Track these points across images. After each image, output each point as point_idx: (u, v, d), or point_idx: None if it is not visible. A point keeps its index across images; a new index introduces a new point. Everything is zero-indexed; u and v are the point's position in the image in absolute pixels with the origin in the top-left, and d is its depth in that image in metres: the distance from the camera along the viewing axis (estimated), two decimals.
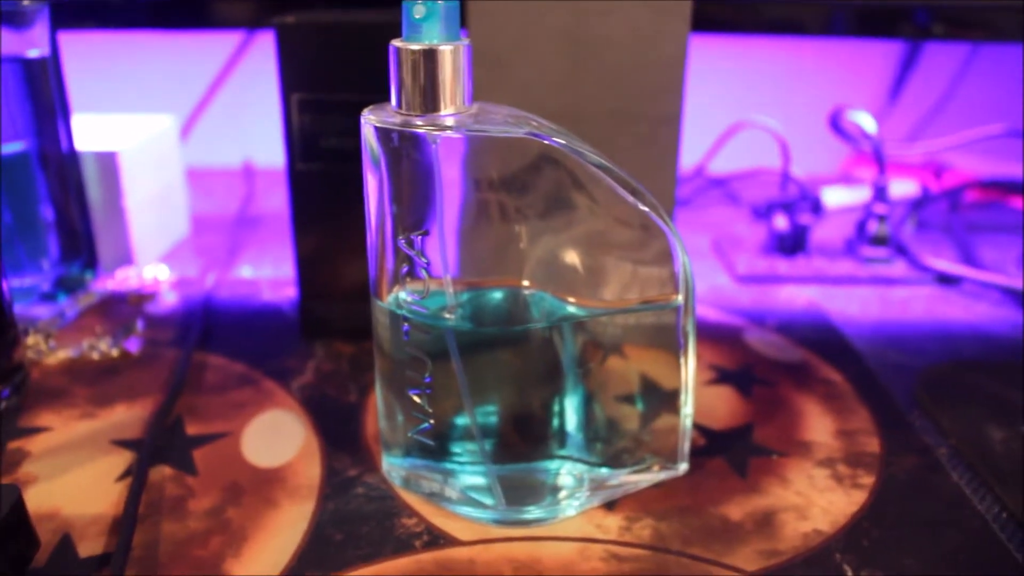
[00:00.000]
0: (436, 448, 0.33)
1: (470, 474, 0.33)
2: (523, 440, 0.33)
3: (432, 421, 0.33)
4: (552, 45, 0.40)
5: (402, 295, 0.31)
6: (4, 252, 0.49)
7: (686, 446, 0.36)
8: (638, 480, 0.35)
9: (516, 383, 0.33)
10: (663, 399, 0.35)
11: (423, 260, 0.30)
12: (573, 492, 0.34)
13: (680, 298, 0.33)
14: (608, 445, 0.35)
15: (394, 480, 0.36)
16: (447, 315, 0.31)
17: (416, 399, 0.33)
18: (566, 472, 0.34)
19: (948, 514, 0.35)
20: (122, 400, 0.42)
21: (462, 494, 0.34)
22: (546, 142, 0.29)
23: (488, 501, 0.33)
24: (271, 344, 0.48)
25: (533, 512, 0.33)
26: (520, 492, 0.33)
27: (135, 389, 0.43)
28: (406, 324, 0.32)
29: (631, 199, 0.31)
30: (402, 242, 0.31)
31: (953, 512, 0.35)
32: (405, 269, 0.31)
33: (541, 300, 0.32)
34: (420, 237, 0.30)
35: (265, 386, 0.44)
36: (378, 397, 0.35)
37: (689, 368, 0.34)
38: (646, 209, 0.31)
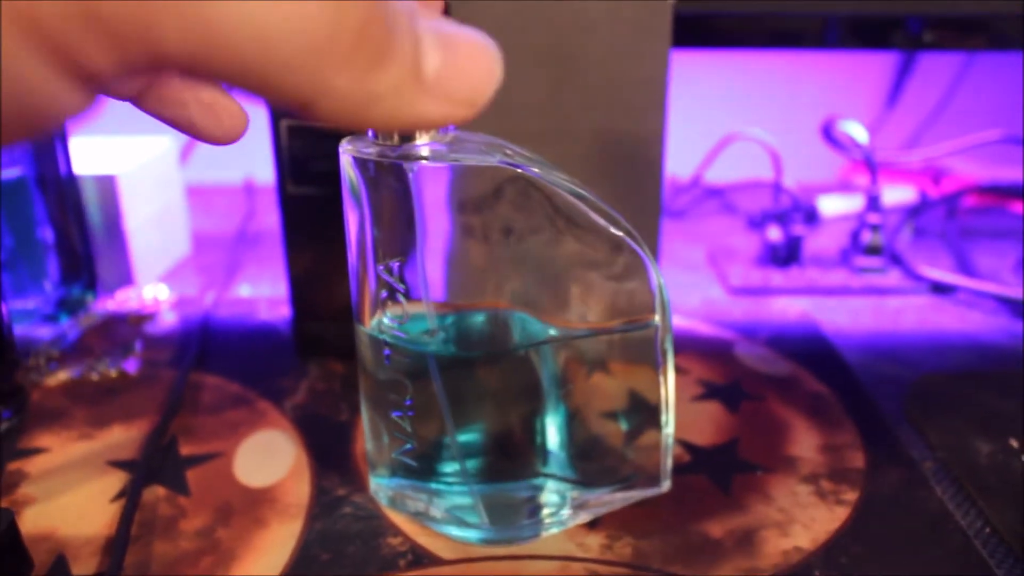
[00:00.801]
0: (420, 469, 0.34)
1: (455, 494, 0.34)
2: (506, 460, 0.34)
3: (414, 442, 0.33)
4: (533, 65, 0.41)
5: (384, 320, 0.32)
6: (6, 274, 0.50)
7: (668, 463, 0.36)
8: (621, 498, 0.36)
9: (498, 404, 0.33)
10: (647, 416, 0.35)
11: (401, 286, 0.31)
12: (556, 510, 0.34)
13: (657, 318, 0.33)
14: (591, 463, 0.35)
15: (381, 500, 0.36)
16: (428, 338, 0.31)
17: (399, 421, 0.33)
18: (549, 491, 0.34)
19: (930, 530, 0.35)
20: (119, 421, 0.43)
21: (447, 513, 0.34)
22: (519, 171, 0.30)
23: (473, 520, 0.34)
24: (266, 363, 0.49)
25: (517, 531, 0.34)
26: (503, 511, 0.34)
27: (132, 410, 0.44)
28: (387, 348, 0.32)
29: (603, 223, 0.31)
30: (381, 269, 0.31)
31: (935, 528, 0.35)
32: (385, 295, 0.32)
33: (522, 322, 0.32)
34: (398, 264, 0.31)
35: (259, 406, 0.44)
36: (364, 418, 0.36)
37: (669, 386, 0.35)
38: (620, 233, 0.31)
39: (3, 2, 0.13)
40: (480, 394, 0.33)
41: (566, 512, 0.35)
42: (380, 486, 0.36)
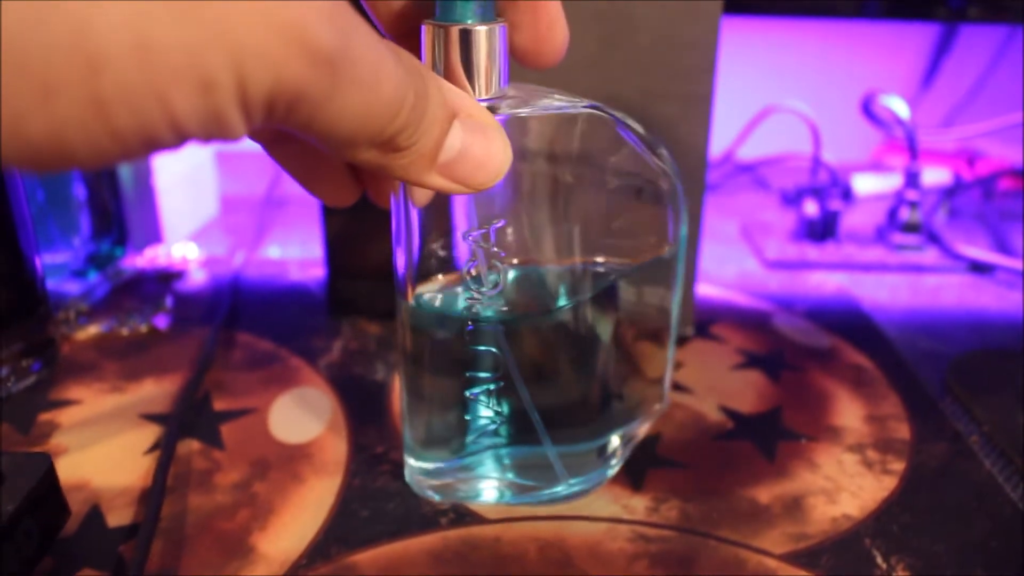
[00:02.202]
0: (500, 441, 0.33)
1: (527, 459, 0.33)
2: (582, 414, 0.33)
3: (498, 417, 0.32)
4: (583, 25, 0.40)
5: (466, 293, 0.30)
6: (37, 229, 0.50)
7: (668, 383, 0.38)
8: (645, 427, 0.37)
9: (569, 360, 0.32)
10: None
11: (498, 252, 0.29)
12: (615, 452, 0.35)
13: (672, 248, 0.33)
14: (633, 399, 0.36)
15: (426, 492, 0.34)
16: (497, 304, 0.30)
17: (480, 397, 0.31)
18: (615, 438, 0.34)
19: (979, 501, 0.34)
20: (151, 375, 0.43)
21: (518, 480, 0.33)
22: (601, 112, 0.29)
23: (547, 479, 0.33)
24: (298, 323, 0.48)
25: (590, 480, 0.34)
26: (579, 464, 0.33)
27: (163, 365, 0.44)
28: (470, 323, 0.30)
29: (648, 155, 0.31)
30: (477, 236, 0.29)
31: (984, 499, 0.34)
32: (473, 264, 0.30)
33: (572, 272, 0.31)
34: (495, 227, 0.29)
35: (292, 363, 0.44)
36: (408, 405, 0.33)
37: (675, 309, 0.35)
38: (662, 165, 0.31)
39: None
40: (553, 354, 0.32)
41: (620, 451, 0.34)
42: (424, 475, 0.34)
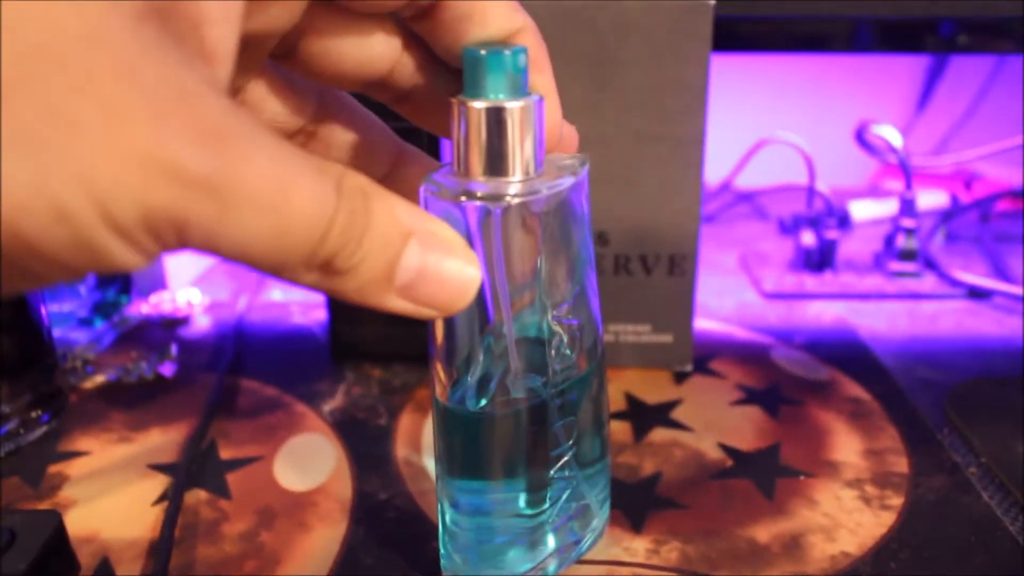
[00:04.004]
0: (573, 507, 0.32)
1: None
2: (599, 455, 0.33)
3: (575, 481, 0.31)
4: (572, 69, 0.41)
5: (550, 370, 0.29)
6: None
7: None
8: None
9: (599, 404, 0.32)
10: None
11: (575, 322, 0.29)
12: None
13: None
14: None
15: None
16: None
17: (562, 473, 0.30)
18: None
19: (978, 535, 0.34)
20: (157, 424, 0.43)
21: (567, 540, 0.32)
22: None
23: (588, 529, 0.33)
24: (302, 367, 0.49)
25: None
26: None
27: (170, 413, 0.44)
28: (558, 399, 0.29)
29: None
30: (560, 314, 0.28)
31: (984, 533, 0.35)
32: (559, 342, 0.29)
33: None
34: (569, 303, 0.28)
35: (296, 409, 0.44)
36: (469, 527, 0.30)
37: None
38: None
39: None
40: (595, 400, 0.32)
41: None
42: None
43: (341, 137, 0.27)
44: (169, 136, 0.16)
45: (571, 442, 0.30)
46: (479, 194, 0.25)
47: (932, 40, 0.63)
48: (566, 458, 0.30)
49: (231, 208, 0.17)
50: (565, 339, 0.28)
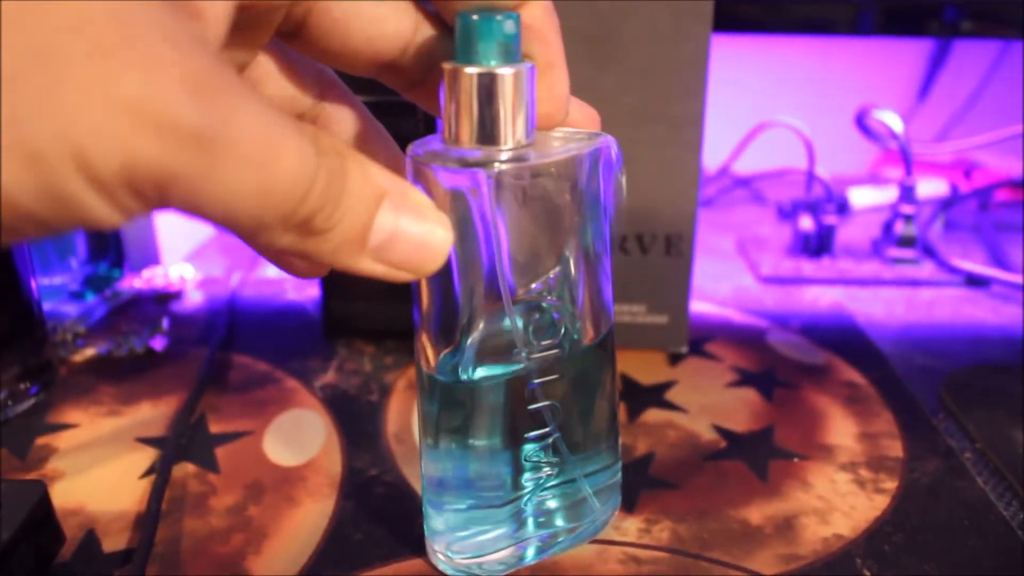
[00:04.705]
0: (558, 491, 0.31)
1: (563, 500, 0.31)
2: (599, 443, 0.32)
3: (557, 465, 0.30)
4: (572, 48, 0.40)
5: (525, 348, 0.28)
6: (35, 252, 0.50)
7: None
8: None
9: (598, 388, 0.31)
10: None
11: (556, 299, 0.28)
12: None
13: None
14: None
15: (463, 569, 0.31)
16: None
17: (540, 454, 0.30)
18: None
19: (972, 519, 0.34)
20: (147, 398, 0.43)
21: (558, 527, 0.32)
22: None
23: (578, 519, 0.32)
24: (294, 343, 0.48)
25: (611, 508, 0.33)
26: (607, 495, 0.33)
27: (160, 387, 0.44)
28: (535, 380, 0.28)
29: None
30: (537, 291, 0.27)
31: (977, 517, 0.34)
32: (535, 320, 0.28)
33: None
34: (554, 276, 0.28)
35: (288, 385, 0.44)
36: (448, 494, 0.30)
37: None
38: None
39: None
40: (589, 383, 0.31)
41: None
42: (470, 556, 0.31)
43: (339, 131, 0.26)
44: (161, 86, 0.15)
45: (556, 425, 0.29)
46: (468, 160, 0.24)
47: (935, 25, 0.62)
48: (549, 441, 0.29)
49: (219, 163, 0.16)
50: (531, 319, 0.28)
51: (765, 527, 0.34)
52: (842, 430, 0.40)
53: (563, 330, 0.28)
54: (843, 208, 0.71)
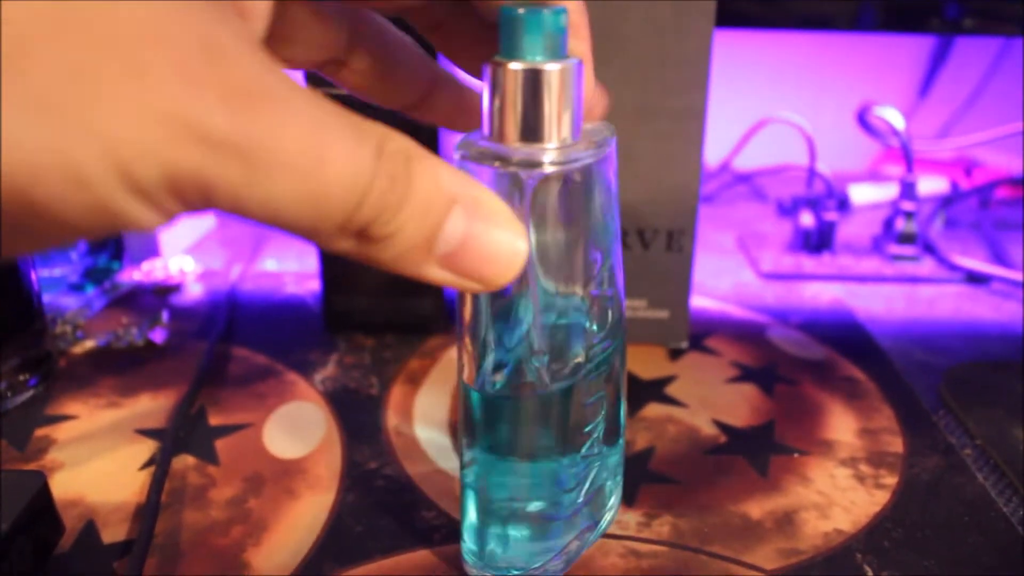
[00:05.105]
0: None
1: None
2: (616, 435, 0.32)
3: (601, 456, 0.30)
4: None
5: (586, 345, 0.28)
6: None
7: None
8: None
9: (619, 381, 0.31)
10: None
11: (609, 293, 0.28)
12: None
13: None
14: None
15: None
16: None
17: (592, 446, 0.29)
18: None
19: (972, 515, 0.34)
20: (147, 390, 0.43)
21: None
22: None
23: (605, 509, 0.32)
24: (294, 337, 0.48)
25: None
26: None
27: (160, 379, 0.44)
28: (592, 374, 0.28)
29: None
30: (597, 284, 0.27)
31: (977, 513, 0.34)
32: (596, 312, 0.27)
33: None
34: (607, 273, 0.28)
35: (288, 378, 0.44)
36: (501, 510, 0.29)
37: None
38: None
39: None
40: (619, 377, 0.31)
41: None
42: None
43: (373, 65, 0.26)
44: (195, 95, 0.15)
45: (600, 418, 0.29)
46: (514, 160, 0.23)
47: (937, 21, 0.62)
48: (595, 435, 0.29)
49: (260, 172, 0.16)
50: (596, 314, 0.27)
51: (765, 522, 0.34)
52: (842, 426, 0.40)
53: (616, 319, 0.28)
54: (844, 205, 0.71)
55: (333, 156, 0.17)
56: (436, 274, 0.20)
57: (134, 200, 0.15)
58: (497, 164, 0.23)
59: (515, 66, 0.23)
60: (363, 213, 0.18)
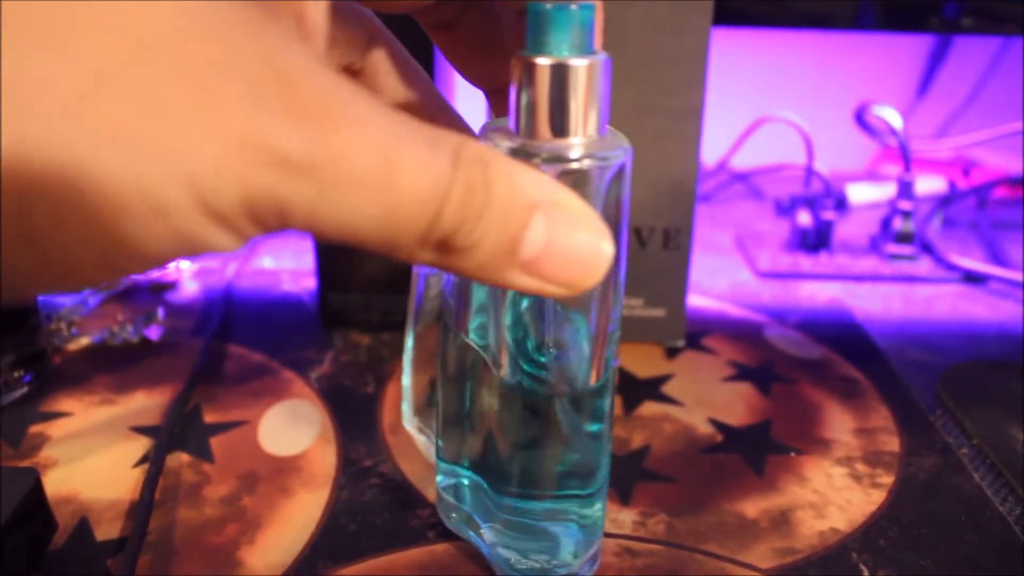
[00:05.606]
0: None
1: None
2: None
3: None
4: None
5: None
6: None
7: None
8: None
9: None
10: None
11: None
12: None
13: None
14: None
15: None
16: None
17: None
18: None
19: (968, 515, 0.34)
20: (141, 387, 0.43)
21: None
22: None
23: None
24: (290, 335, 0.48)
25: None
26: None
27: (154, 376, 0.44)
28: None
29: None
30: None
31: (973, 513, 0.34)
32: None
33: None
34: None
35: (283, 376, 0.44)
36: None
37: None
38: None
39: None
40: None
41: None
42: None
43: (386, 81, 0.26)
44: (266, 120, 0.15)
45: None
46: (542, 156, 0.23)
47: (935, 21, 0.62)
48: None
49: (332, 190, 0.16)
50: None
51: (761, 521, 0.34)
52: (839, 425, 0.40)
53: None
54: (841, 204, 0.71)
55: (405, 169, 0.17)
56: (521, 281, 0.19)
57: (212, 226, 0.16)
58: (522, 158, 0.23)
59: (542, 61, 0.22)
60: (442, 225, 0.17)
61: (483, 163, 0.18)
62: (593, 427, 0.28)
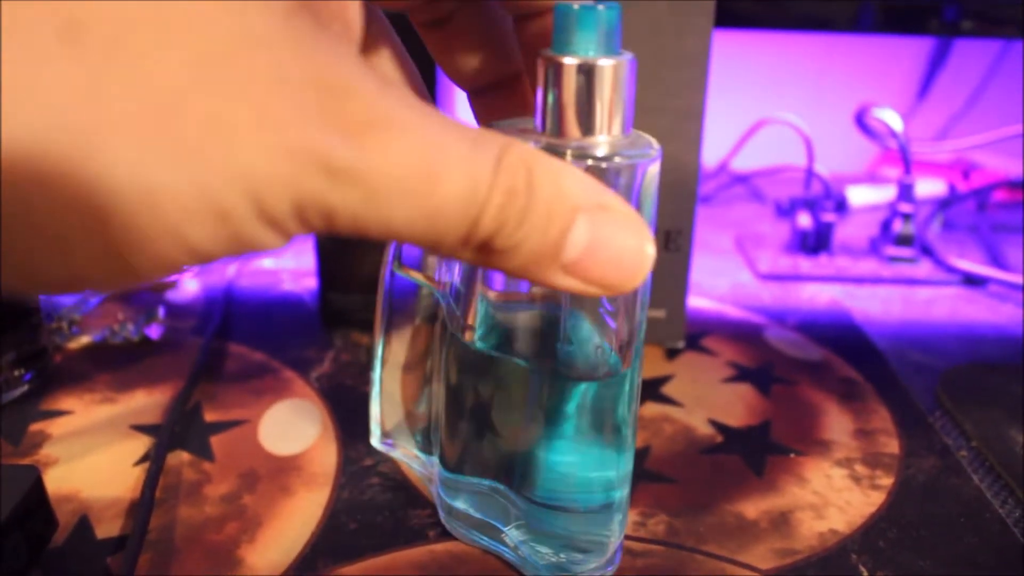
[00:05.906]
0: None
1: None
2: None
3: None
4: None
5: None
6: None
7: None
8: None
9: None
10: None
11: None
12: None
13: None
14: None
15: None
16: None
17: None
18: None
19: (968, 516, 0.34)
20: (142, 386, 0.43)
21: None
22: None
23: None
24: (291, 334, 0.48)
25: None
26: None
27: (155, 375, 0.44)
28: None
29: None
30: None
31: (973, 515, 0.34)
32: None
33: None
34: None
35: (284, 375, 0.44)
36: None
37: None
38: None
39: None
40: None
41: None
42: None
43: (380, 67, 0.26)
44: (315, 132, 0.16)
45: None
46: (567, 154, 0.23)
47: (936, 23, 0.62)
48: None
49: (376, 196, 0.17)
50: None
51: (761, 521, 0.34)
52: (838, 426, 0.40)
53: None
54: (841, 206, 0.71)
55: (446, 174, 0.17)
56: (563, 281, 0.20)
57: (264, 228, 0.17)
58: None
59: (568, 61, 0.23)
60: (483, 227, 0.18)
61: (527, 167, 0.18)
62: (617, 419, 0.28)
